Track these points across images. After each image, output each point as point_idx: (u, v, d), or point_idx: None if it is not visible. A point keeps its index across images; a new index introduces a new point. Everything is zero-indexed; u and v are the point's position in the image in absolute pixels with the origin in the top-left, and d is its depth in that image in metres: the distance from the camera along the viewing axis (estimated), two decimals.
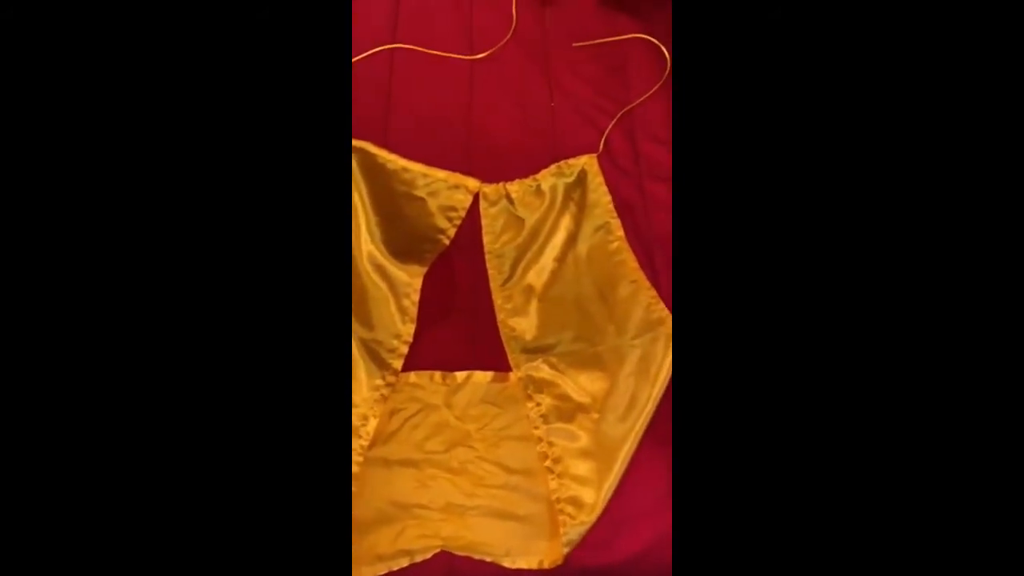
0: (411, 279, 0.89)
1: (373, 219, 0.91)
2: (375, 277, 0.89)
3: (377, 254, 0.90)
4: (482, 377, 0.85)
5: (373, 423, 0.81)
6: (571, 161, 0.98)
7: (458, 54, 1.08)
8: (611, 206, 0.95)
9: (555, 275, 0.91)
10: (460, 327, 0.89)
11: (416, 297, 0.88)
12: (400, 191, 0.95)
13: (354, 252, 0.90)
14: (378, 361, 0.85)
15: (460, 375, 0.85)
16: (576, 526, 0.76)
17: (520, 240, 0.93)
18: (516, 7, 1.11)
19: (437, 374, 0.86)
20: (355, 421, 0.81)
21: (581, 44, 1.11)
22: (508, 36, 1.09)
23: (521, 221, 0.94)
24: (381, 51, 1.07)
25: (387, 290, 0.88)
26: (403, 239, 0.91)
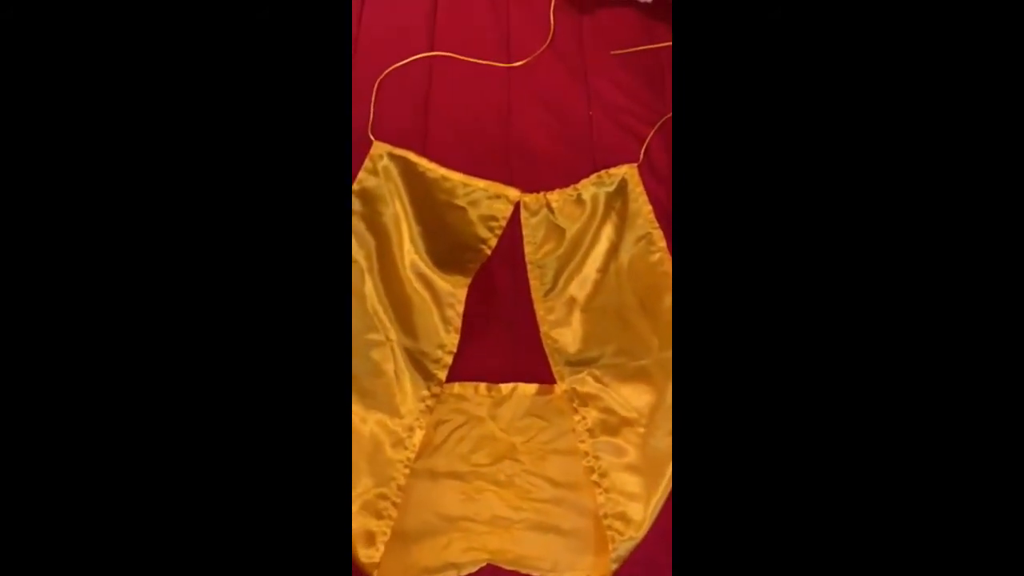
0: (455, 289, 0.89)
1: (416, 228, 0.91)
2: (418, 286, 0.89)
3: (420, 264, 0.90)
4: (527, 389, 0.85)
5: (419, 434, 0.81)
6: (611, 171, 0.98)
7: (496, 62, 1.07)
8: (652, 216, 0.95)
9: (597, 286, 0.90)
10: (502, 338, 0.89)
11: (460, 308, 0.88)
12: (441, 200, 0.95)
13: (396, 261, 0.90)
14: (423, 371, 0.84)
15: (505, 387, 0.85)
16: (625, 542, 0.76)
17: (561, 251, 0.93)
18: (554, 15, 1.11)
19: (482, 386, 0.85)
20: (401, 432, 0.81)
21: (619, 52, 1.10)
22: (546, 44, 1.09)
23: (562, 231, 0.94)
24: (419, 59, 1.06)
25: (430, 300, 0.88)
26: (445, 249, 0.91)
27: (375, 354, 0.85)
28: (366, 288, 0.88)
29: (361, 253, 0.90)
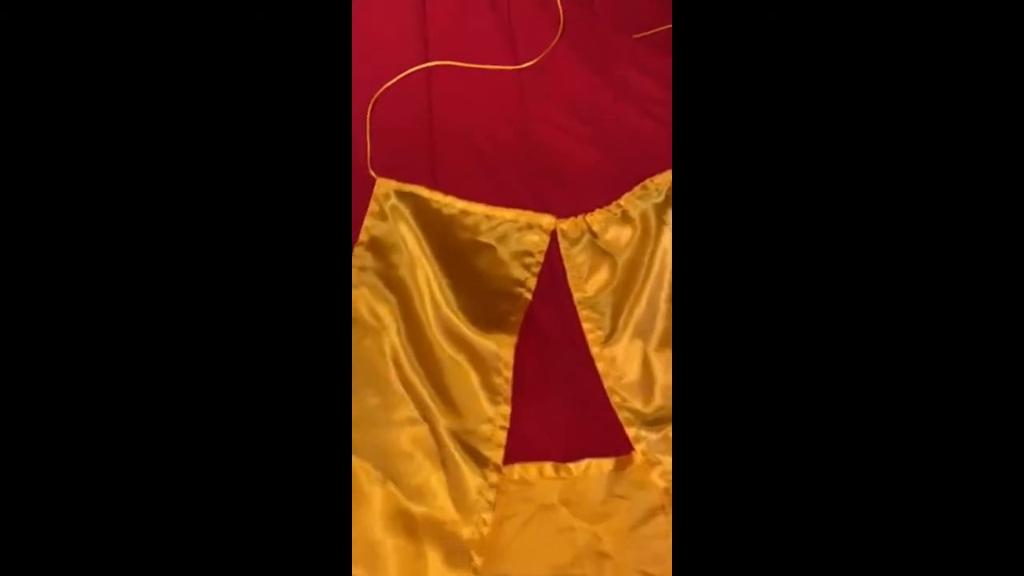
0: (500, 350, 0.74)
1: (443, 280, 0.76)
2: (451, 350, 0.74)
3: (456, 322, 0.75)
4: (603, 466, 0.70)
5: (483, 533, 0.67)
6: (656, 179, 0.83)
7: (502, 64, 0.92)
8: None
9: (668, 321, 0.75)
10: (560, 401, 0.74)
11: (509, 373, 0.73)
12: (464, 240, 0.81)
13: (422, 321, 0.75)
14: (475, 456, 0.70)
15: (576, 466, 0.70)
16: None
17: (616, 283, 0.78)
18: (561, 3, 0.95)
19: (547, 466, 0.71)
20: (460, 536, 0.67)
21: (642, 35, 0.95)
22: (557, 38, 0.94)
23: (612, 259, 0.79)
24: (415, 72, 0.91)
25: (470, 366, 0.73)
26: (479, 300, 0.76)
27: (411, 439, 0.71)
28: (392, 355, 0.74)
29: (385, 310, 0.76)
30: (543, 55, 0.93)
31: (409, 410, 0.72)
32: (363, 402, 0.72)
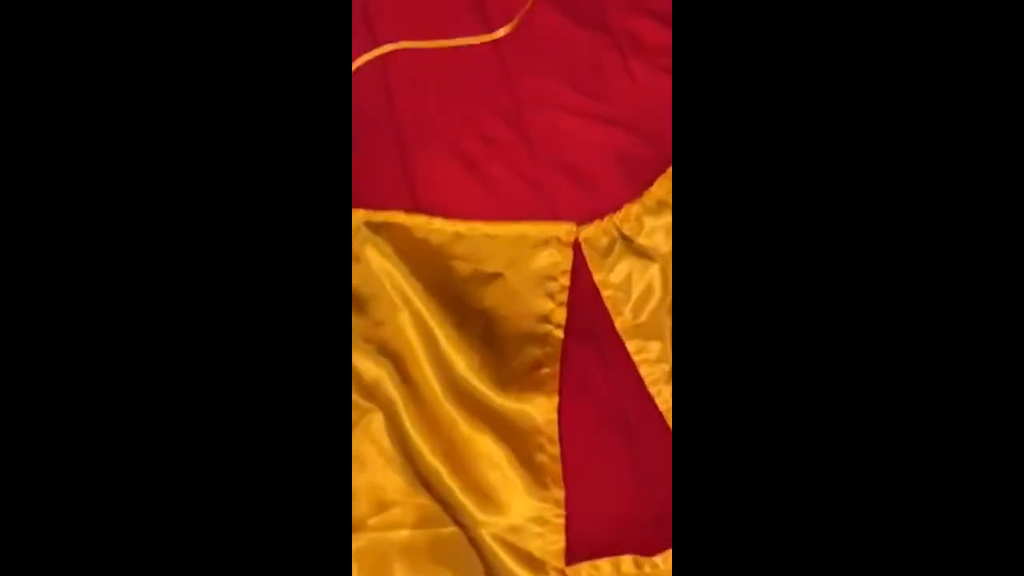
0: (539, 417, 0.58)
1: (450, 331, 0.59)
2: (474, 427, 0.57)
3: (477, 388, 0.58)
4: None
5: None
6: None
7: (474, 36, 0.74)
8: None
9: None
10: (624, 472, 0.58)
11: (555, 447, 0.57)
12: (464, 273, 0.63)
13: (424, 394, 0.58)
14: (528, 560, 0.54)
15: (663, 559, 0.54)
16: None
17: (669, 301, 0.61)
18: None
19: (625, 560, 0.54)
20: None
21: None
22: None
23: (654, 264, 0.62)
24: (371, 59, 0.73)
25: (501, 443, 0.57)
26: (499, 352, 0.60)
27: (440, 549, 0.55)
28: (399, 439, 0.58)
29: (383, 380, 0.59)
30: (521, 15, 0.74)
31: (432, 510, 0.56)
32: (367, 508, 0.56)
